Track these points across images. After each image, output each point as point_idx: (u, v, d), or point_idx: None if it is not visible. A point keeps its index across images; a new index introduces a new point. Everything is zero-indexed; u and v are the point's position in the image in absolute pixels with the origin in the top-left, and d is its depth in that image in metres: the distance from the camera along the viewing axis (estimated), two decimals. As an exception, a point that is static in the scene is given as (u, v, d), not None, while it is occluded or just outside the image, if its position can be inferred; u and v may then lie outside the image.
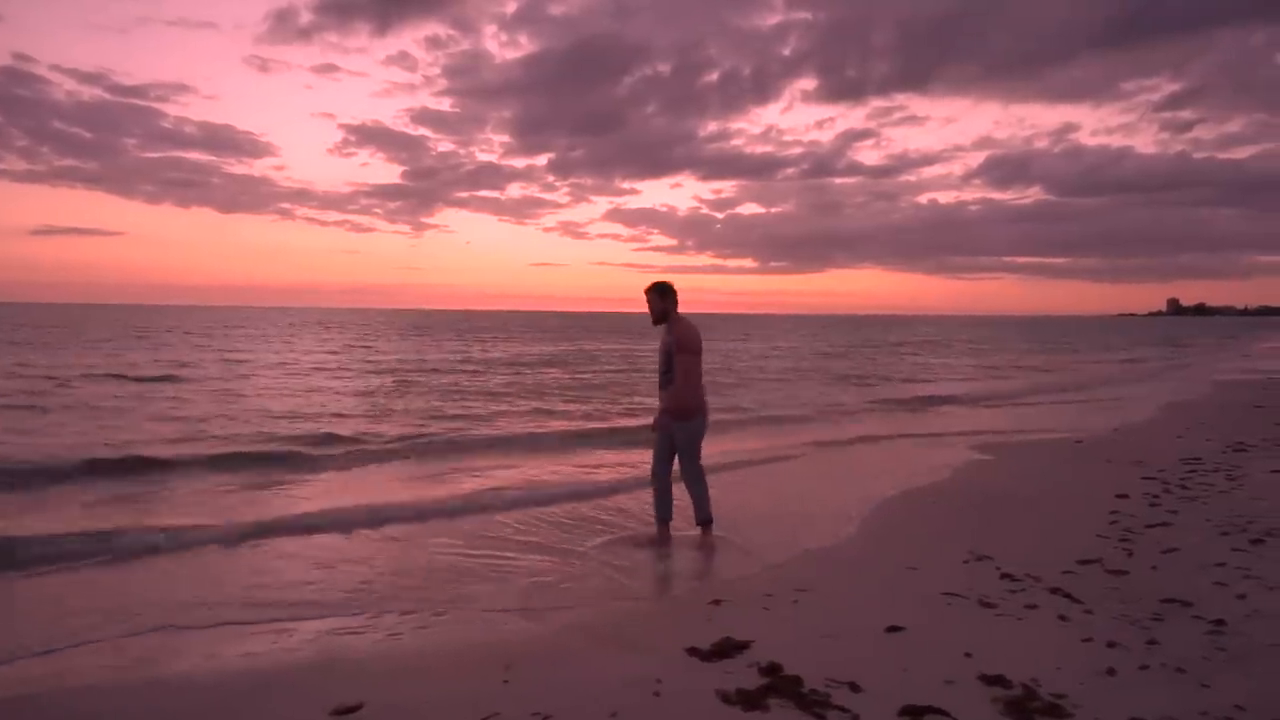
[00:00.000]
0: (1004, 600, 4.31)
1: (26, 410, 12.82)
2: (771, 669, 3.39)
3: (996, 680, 3.29)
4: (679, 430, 5.59)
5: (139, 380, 18.04)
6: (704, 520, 5.73)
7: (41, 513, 6.59)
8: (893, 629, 3.88)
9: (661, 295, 5.54)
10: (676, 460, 5.74)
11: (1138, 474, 8.01)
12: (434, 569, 5.17)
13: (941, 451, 10.01)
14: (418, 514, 6.64)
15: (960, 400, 17.37)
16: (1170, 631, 3.82)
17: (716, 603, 4.33)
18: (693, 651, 3.60)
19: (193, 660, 3.76)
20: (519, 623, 4.17)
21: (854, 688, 3.23)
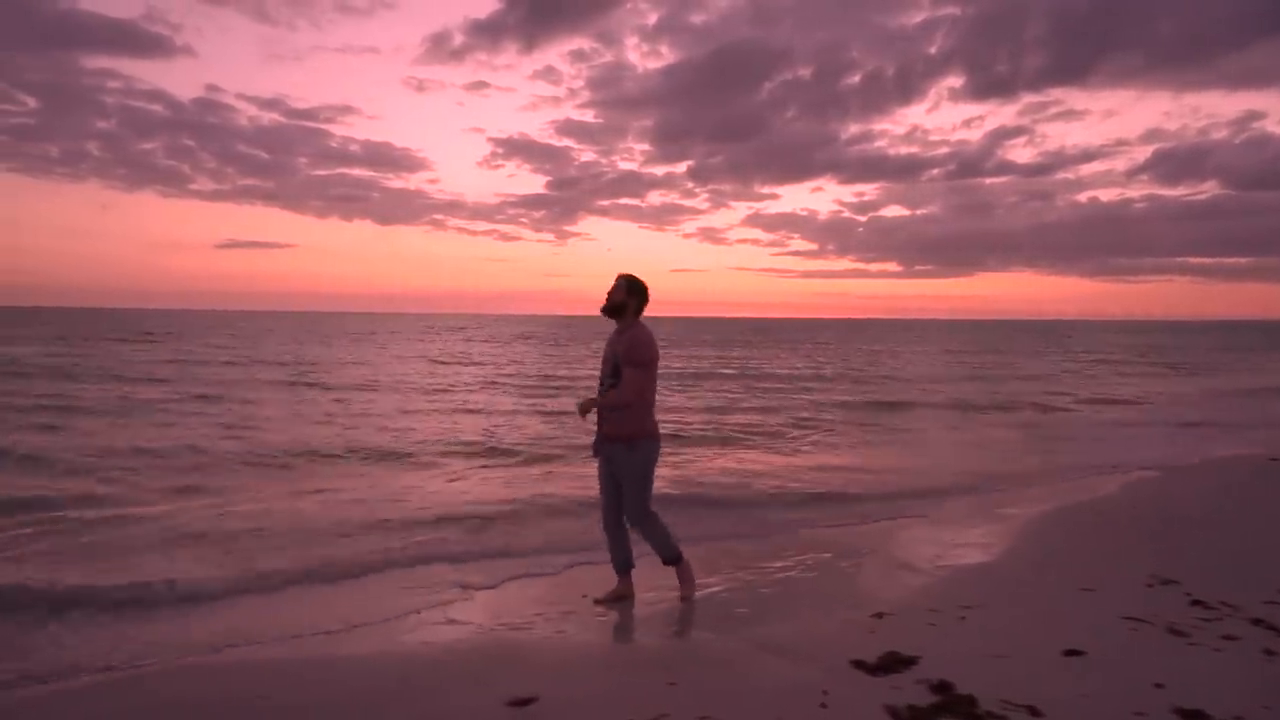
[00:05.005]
0: (1197, 629, 3.99)
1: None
2: (942, 687, 3.28)
3: (1195, 715, 3.05)
4: (632, 454, 4.46)
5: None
6: (673, 558, 4.62)
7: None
8: (1071, 652, 3.67)
9: (630, 288, 4.51)
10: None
11: (1349, 497, 7.22)
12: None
13: (1101, 465, 9.37)
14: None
15: (1125, 410, 16.17)
16: (1402, 674, 3.42)
17: (879, 616, 4.23)
18: (858, 664, 3.53)
19: (374, 643, 4.04)
20: (682, 627, 4.23)
21: (1033, 712, 3.08)
